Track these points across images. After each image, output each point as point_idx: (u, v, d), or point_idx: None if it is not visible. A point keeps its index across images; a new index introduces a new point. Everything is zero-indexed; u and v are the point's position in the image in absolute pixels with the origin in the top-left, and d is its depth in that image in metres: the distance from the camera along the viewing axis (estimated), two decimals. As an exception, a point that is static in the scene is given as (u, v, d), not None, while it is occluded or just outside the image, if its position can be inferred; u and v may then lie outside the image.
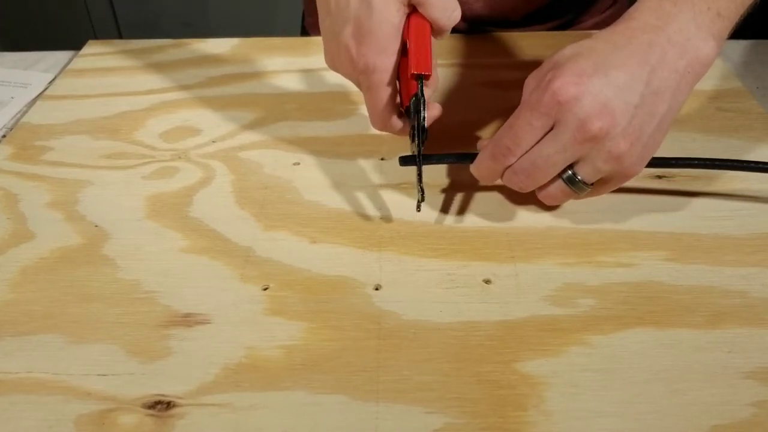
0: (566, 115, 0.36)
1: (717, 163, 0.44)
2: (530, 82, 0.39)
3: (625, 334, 0.36)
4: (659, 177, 0.47)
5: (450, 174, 0.48)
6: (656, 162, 0.42)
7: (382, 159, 0.50)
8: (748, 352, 0.35)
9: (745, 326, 0.37)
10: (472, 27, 0.65)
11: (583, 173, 0.38)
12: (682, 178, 0.47)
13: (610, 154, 0.37)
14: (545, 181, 0.39)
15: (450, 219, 0.44)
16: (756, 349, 0.35)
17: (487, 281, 0.40)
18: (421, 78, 0.39)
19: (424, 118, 0.40)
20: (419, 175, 0.40)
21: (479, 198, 0.46)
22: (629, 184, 0.46)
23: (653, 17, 0.38)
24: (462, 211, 0.45)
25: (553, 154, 0.37)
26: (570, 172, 0.38)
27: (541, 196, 0.40)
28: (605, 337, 0.36)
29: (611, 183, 0.40)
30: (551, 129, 0.37)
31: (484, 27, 0.66)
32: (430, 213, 0.45)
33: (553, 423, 0.32)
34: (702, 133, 0.51)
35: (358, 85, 0.42)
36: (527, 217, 0.44)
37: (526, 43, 0.62)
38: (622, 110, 0.36)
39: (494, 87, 0.57)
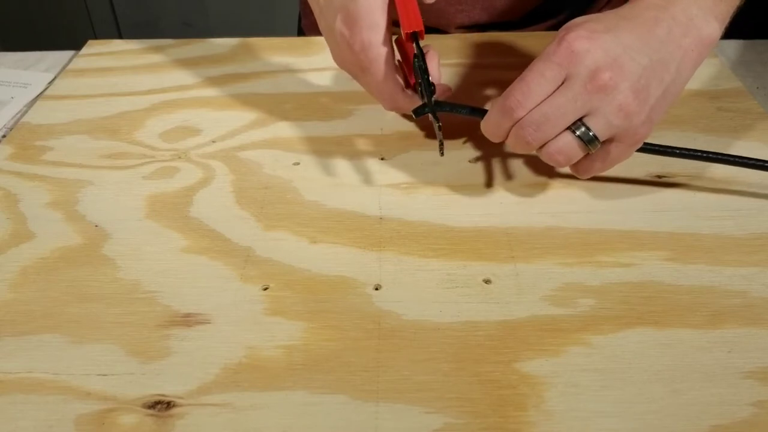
0: (578, 67, 0.37)
1: (714, 156, 0.44)
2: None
3: (624, 334, 0.36)
4: (659, 177, 0.47)
5: (450, 174, 0.48)
6: (659, 149, 0.43)
7: (382, 159, 0.50)
8: (748, 352, 0.35)
9: (745, 326, 0.37)
10: (471, 32, 0.65)
11: (594, 126, 0.38)
12: (682, 178, 0.47)
13: (620, 107, 0.37)
14: (554, 135, 0.39)
15: (450, 219, 0.44)
16: (756, 349, 0.35)
17: (487, 281, 0.40)
18: (416, 35, 0.42)
19: (426, 70, 0.42)
20: (436, 121, 0.42)
21: (479, 198, 0.46)
22: (630, 183, 0.46)
23: None
24: (462, 211, 0.45)
25: (564, 104, 0.38)
26: (581, 124, 0.38)
27: (550, 151, 0.40)
28: (605, 337, 0.36)
29: (619, 146, 0.40)
30: (562, 84, 0.38)
31: (483, 30, 0.66)
32: (430, 213, 0.45)
33: (553, 423, 0.32)
34: (702, 133, 0.51)
35: (360, 74, 0.43)
36: (527, 217, 0.44)
37: (525, 43, 0.62)
38: (631, 66, 0.37)
39: (494, 87, 0.57)
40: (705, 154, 0.43)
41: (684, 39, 0.38)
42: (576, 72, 0.37)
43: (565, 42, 0.38)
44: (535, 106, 0.39)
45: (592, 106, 0.38)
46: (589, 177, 0.43)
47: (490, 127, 0.42)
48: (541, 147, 0.40)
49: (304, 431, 0.32)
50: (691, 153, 0.43)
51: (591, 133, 0.38)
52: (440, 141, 0.43)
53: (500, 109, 0.40)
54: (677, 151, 0.43)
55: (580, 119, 0.38)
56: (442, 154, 0.43)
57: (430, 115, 0.42)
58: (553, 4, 0.67)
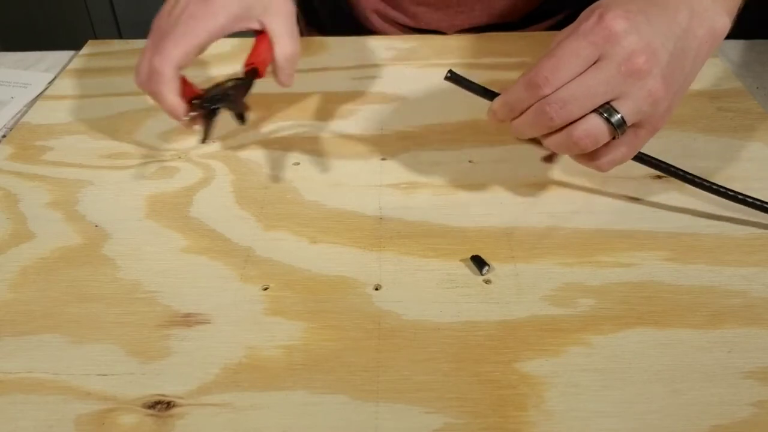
0: (614, 48, 0.36)
1: (707, 185, 0.43)
2: (565, 31, 0.39)
3: (624, 334, 0.36)
4: (659, 177, 0.47)
5: (450, 173, 0.48)
6: (650, 161, 0.42)
7: (382, 159, 0.50)
8: (748, 352, 0.35)
9: (745, 326, 0.37)
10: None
11: (623, 110, 0.37)
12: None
13: (650, 93, 0.37)
14: (579, 115, 0.37)
15: (450, 219, 0.44)
16: (756, 349, 0.35)
17: (487, 281, 0.40)
18: (255, 71, 0.47)
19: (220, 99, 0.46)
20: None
21: (479, 198, 0.46)
22: (630, 183, 0.46)
23: None
24: (462, 211, 0.45)
25: (595, 86, 0.37)
26: (609, 107, 0.37)
27: (577, 134, 0.37)
28: (605, 337, 0.36)
29: (640, 133, 0.39)
30: (593, 64, 0.37)
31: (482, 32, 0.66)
32: (430, 213, 0.45)
33: (553, 423, 0.32)
34: (702, 133, 0.51)
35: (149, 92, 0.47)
36: (527, 217, 0.44)
37: (524, 43, 0.62)
38: (662, 52, 0.37)
39: (493, 87, 0.56)
40: (700, 181, 0.43)
41: (699, 30, 0.38)
42: (612, 53, 0.36)
43: (604, 21, 0.37)
44: (563, 85, 0.37)
45: (623, 89, 0.37)
46: (611, 168, 0.41)
47: (510, 99, 0.39)
48: (560, 130, 0.38)
49: (304, 431, 0.32)
50: (686, 175, 0.43)
51: (619, 116, 0.37)
52: (208, 130, 0.45)
53: (525, 83, 0.38)
54: (672, 169, 0.43)
55: (608, 102, 0.37)
56: (203, 141, 0.46)
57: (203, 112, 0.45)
58: (552, 5, 0.67)
